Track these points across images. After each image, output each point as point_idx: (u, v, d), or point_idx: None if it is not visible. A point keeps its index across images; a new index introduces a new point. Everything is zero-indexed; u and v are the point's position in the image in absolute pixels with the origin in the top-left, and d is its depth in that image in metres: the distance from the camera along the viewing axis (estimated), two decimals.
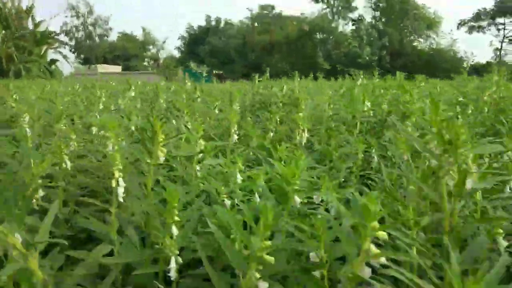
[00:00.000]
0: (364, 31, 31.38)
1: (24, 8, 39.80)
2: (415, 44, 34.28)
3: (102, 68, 45.46)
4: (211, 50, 44.30)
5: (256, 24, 50.72)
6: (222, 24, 58.74)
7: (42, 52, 39.17)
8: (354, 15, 35.15)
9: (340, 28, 34.44)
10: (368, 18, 34.40)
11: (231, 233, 1.00)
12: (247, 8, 70.80)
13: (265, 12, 55.30)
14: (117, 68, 49.33)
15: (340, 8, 33.70)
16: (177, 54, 54.82)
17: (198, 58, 55.94)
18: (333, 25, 33.02)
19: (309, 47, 33.57)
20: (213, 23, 60.12)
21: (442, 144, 0.85)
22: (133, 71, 49.02)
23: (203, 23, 58.05)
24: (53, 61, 39.85)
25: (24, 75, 31.85)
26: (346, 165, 1.82)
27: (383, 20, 33.87)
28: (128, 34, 55.39)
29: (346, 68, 31.30)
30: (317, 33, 34.38)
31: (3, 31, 35.56)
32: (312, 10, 37.89)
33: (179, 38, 57.77)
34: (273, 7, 56.29)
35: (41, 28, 40.23)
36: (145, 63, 58.39)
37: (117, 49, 52.55)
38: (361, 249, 0.81)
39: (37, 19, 39.67)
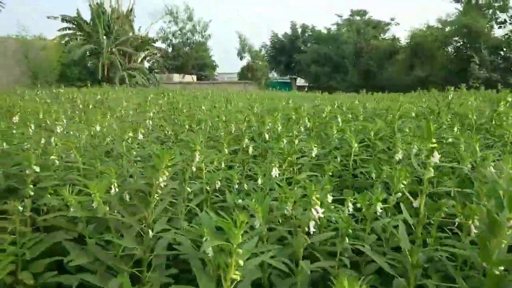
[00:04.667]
0: None
1: (124, 12, 37.91)
2: None
3: (179, 77, 42.76)
4: (313, 57, 40.10)
5: (345, 30, 46.05)
6: (309, 31, 54.61)
7: (140, 59, 37.23)
8: (502, 16, 29.54)
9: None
10: None
11: None
12: (336, 14, 66.76)
13: (357, 17, 50.40)
14: (193, 78, 46.57)
15: (491, 7, 28.17)
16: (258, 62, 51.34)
17: (281, 66, 52.15)
18: (485, 27, 27.52)
19: (452, 53, 28.31)
20: (299, 30, 56.20)
21: None
22: (207, 81, 45.88)
23: (287, 30, 54.53)
24: (151, 69, 37.78)
25: (128, 83, 29.43)
26: None
27: None
28: (199, 43, 52.31)
29: (505, 77, 25.80)
30: (458, 37, 29.06)
31: (104, 37, 33.54)
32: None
33: (262, 46, 54.27)
34: (365, 12, 51.31)
35: (141, 33, 38.26)
36: (215, 73, 54.88)
37: (191, 59, 49.69)
38: None
39: (136, 24, 37.78)
